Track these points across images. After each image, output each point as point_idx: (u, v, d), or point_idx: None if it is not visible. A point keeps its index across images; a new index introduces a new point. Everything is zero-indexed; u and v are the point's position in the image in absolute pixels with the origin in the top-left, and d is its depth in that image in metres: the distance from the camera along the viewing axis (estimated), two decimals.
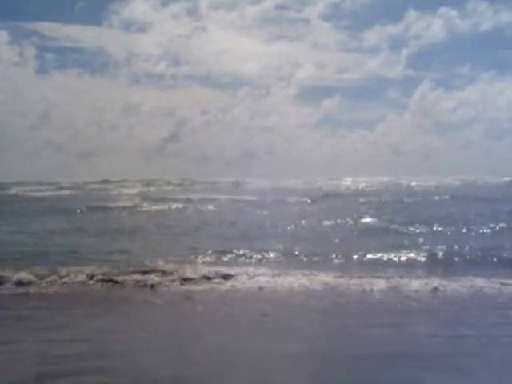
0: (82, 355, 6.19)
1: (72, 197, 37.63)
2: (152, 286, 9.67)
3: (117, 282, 9.81)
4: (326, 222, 20.74)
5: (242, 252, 13.05)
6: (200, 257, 12.53)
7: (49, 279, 9.83)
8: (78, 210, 26.27)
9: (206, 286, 9.73)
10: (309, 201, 33.36)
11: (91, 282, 9.90)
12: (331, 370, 5.85)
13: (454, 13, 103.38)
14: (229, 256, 12.72)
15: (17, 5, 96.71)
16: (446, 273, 10.85)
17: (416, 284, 9.65)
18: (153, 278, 9.94)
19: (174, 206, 28.96)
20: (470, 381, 5.61)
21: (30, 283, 9.65)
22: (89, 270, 10.41)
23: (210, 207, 28.47)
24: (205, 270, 10.41)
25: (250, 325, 7.67)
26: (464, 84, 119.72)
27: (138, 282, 9.82)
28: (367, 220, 21.36)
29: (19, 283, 9.62)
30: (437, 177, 70.00)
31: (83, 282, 9.84)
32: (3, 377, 5.56)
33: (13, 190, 43.94)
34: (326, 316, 8.13)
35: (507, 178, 60.71)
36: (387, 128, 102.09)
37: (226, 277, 10.14)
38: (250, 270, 10.86)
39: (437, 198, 34.00)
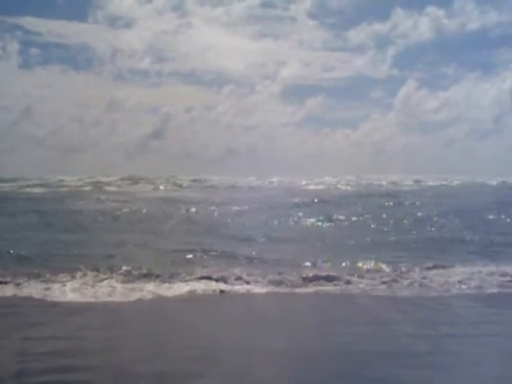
0: (65, 352, 6.19)
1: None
2: None
3: None
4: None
5: None
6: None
7: None
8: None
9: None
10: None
11: None
12: (314, 368, 5.91)
13: (441, 12, 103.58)
14: None
15: None
16: None
17: None
18: None
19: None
20: None
21: None
22: None
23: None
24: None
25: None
26: (449, 84, 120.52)
27: None
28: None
29: None
30: (420, 176, 70.43)
31: None
32: None
33: None
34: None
35: (495, 181, 60.39)
36: (371, 127, 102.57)
37: None
38: None
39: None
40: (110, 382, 5.51)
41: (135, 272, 10.52)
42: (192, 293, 9.32)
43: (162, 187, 50.41)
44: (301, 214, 23.61)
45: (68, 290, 9.27)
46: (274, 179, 64.06)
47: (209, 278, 10.23)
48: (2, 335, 6.81)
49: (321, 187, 52.20)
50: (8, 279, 9.88)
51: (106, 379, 5.53)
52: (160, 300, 8.90)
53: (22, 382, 5.40)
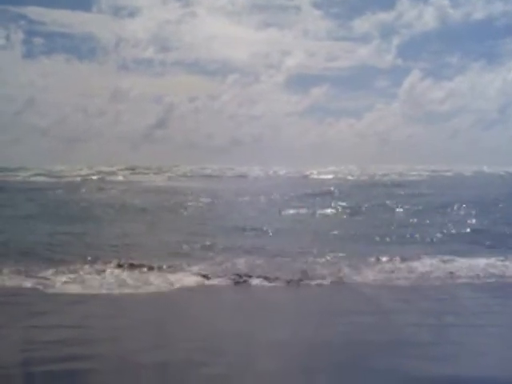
0: (69, 341, 6.22)
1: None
2: None
3: None
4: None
5: None
6: None
7: None
8: None
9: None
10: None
11: None
12: (316, 358, 5.93)
13: (446, 1, 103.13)
14: None
15: None
16: None
17: None
18: None
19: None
20: None
21: None
22: None
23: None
24: None
25: None
26: (453, 74, 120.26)
27: None
28: None
29: None
30: (425, 166, 70.23)
31: None
32: None
33: None
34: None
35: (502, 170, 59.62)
36: (375, 117, 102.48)
37: None
38: None
39: None
40: (115, 371, 5.54)
41: (139, 263, 10.54)
42: (198, 284, 9.34)
43: (165, 177, 50.53)
44: (306, 204, 23.59)
45: (72, 281, 9.31)
46: (279, 169, 64.07)
47: (214, 269, 10.25)
48: (8, 325, 6.85)
49: (324, 177, 52.15)
50: (12, 269, 9.92)
51: (111, 368, 5.56)
52: (165, 291, 8.92)
53: (27, 371, 5.44)
